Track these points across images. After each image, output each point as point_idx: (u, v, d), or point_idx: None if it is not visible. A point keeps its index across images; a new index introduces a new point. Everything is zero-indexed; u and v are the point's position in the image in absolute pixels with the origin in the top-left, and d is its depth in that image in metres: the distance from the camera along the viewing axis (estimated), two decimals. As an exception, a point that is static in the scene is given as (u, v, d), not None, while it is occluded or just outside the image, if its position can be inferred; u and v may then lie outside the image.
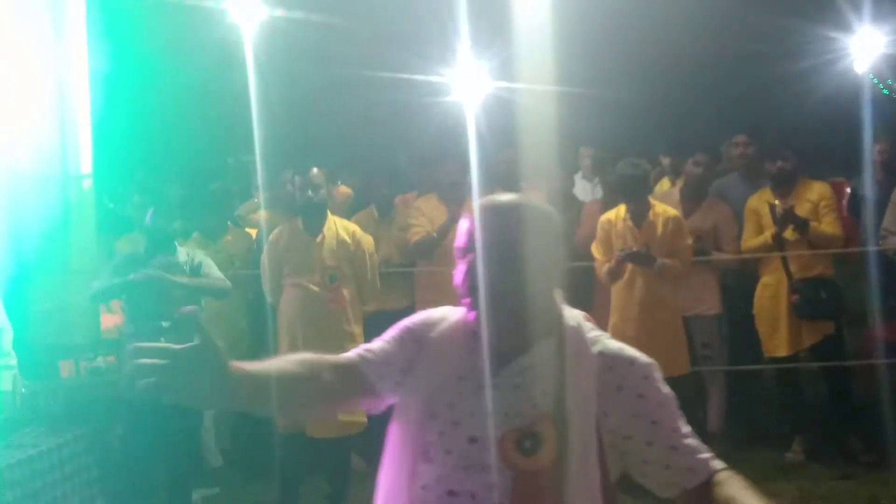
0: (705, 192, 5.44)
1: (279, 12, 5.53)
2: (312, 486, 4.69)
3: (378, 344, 1.79)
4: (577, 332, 1.73)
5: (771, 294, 5.08)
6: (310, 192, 4.53)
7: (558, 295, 1.76)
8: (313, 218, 4.61)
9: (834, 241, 5.02)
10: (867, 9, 5.85)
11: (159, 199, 4.68)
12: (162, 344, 1.44)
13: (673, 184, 5.92)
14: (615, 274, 4.82)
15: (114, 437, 4.12)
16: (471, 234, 1.70)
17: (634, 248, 4.72)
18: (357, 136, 8.05)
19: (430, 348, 1.75)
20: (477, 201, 1.74)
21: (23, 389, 3.97)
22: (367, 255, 4.69)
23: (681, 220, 4.93)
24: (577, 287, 4.80)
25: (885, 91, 8.86)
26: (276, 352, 4.32)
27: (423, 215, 5.30)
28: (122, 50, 6.39)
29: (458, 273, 1.72)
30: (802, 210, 5.00)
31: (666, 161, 6.21)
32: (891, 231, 4.99)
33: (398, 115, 7.35)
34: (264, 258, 4.69)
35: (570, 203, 5.72)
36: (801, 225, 4.94)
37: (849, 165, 5.79)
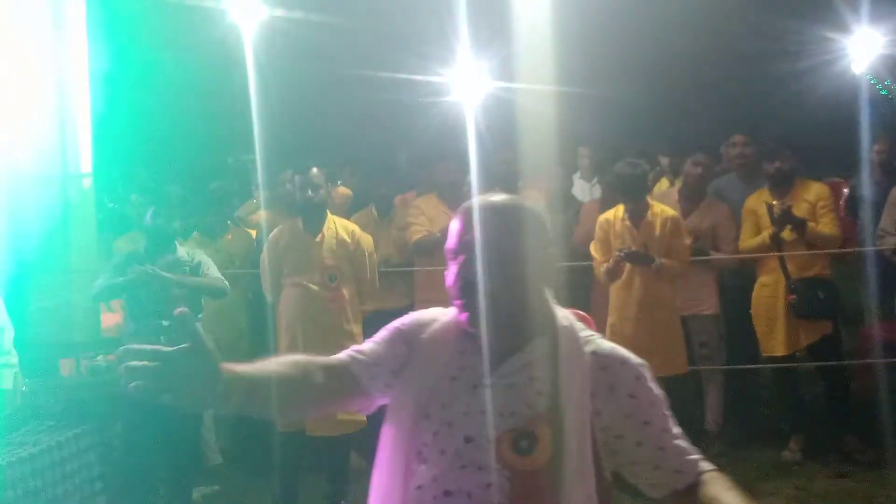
0: (704, 193, 5.45)
1: (279, 12, 5.54)
2: (312, 484, 4.70)
3: (369, 345, 1.80)
4: (570, 331, 1.73)
5: (769, 294, 5.09)
6: (309, 192, 4.53)
7: (550, 294, 1.77)
8: (313, 218, 4.61)
9: (831, 241, 5.02)
10: (865, 9, 5.85)
11: (159, 199, 4.67)
12: (153, 346, 1.45)
13: (671, 184, 5.93)
14: (614, 274, 4.84)
15: (114, 436, 4.12)
16: (461, 236, 1.70)
17: (633, 248, 4.72)
18: (357, 136, 8.04)
19: (420, 349, 1.75)
20: (466, 203, 1.74)
21: (24, 387, 3.98)
22: (367, 255, 4.69)
23: (679, 220, 4.93)
24: (575, 287, 4.82)
25: (883, 91, 8.88)
26: (275, 351, 4.34)
27: (423, 215, 5.30)
28: (122, 50, 6.40)
29: (450, 274, 1.72)
30: (800, 210, 5.00)
31: (665, 161, 6.24)
32: (888, 231, 4.99)
33: (398, 115, 7.35)
34: (264, 258, 4.68)
35: (568, 203, 5.73)
36: (799, 225, 4.94)
37: (846, 166, 5.78)
